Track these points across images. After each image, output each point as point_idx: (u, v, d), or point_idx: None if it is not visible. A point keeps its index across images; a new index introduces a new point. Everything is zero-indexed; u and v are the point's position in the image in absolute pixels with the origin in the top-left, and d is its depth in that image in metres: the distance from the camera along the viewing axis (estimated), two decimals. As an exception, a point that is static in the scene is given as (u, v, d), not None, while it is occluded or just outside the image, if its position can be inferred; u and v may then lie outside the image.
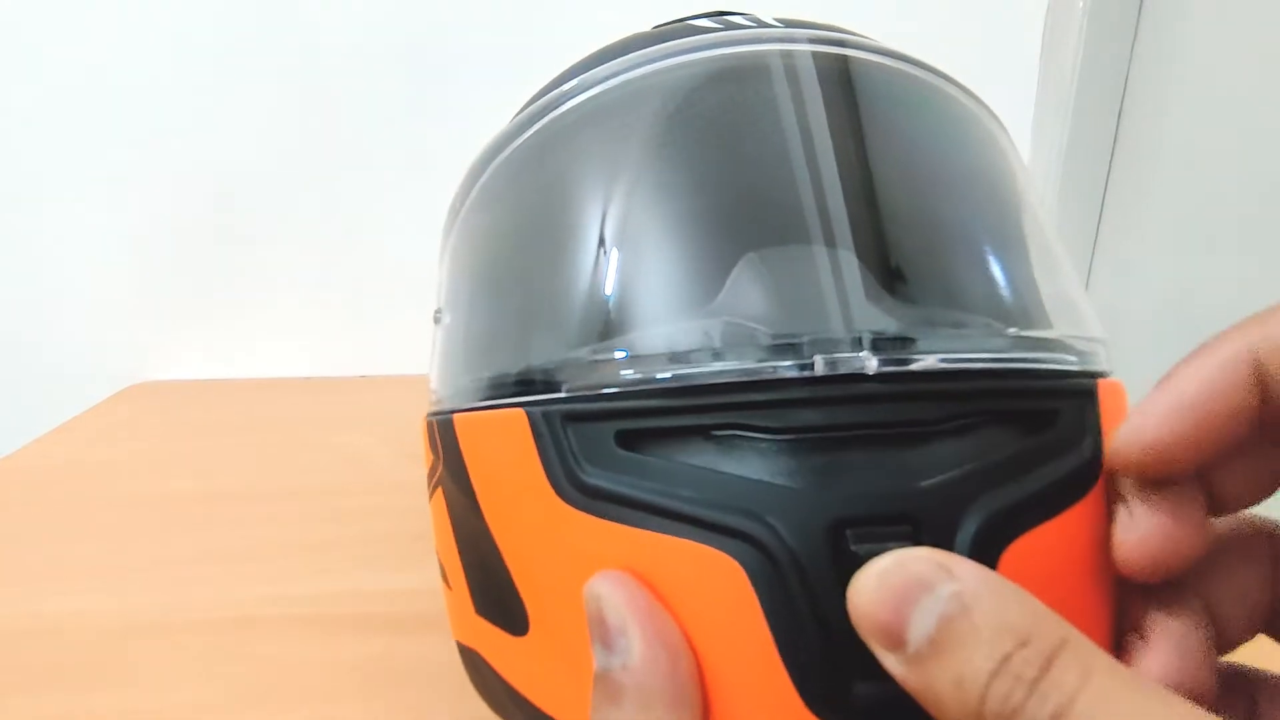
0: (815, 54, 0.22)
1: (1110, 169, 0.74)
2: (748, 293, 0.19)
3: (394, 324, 0.66)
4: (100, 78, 0.67)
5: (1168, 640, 0.17)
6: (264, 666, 0.31)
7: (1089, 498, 0.17)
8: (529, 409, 0.19)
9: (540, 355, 0.21)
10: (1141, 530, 0.16)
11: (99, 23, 0.66)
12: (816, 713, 0.15)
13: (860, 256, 0.19)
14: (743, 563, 0.16)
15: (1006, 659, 0.12)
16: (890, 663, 0.14)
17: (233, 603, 0.36)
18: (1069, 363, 0.20)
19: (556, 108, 0.23)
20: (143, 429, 0.62)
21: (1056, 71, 0.72)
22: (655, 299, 0.20)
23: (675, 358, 0.18)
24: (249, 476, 0.52)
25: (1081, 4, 0.69)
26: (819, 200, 0.19)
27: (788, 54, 0.22)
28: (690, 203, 0.21)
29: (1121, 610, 0.18)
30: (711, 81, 0.22)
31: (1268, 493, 0.18)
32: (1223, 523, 0.19)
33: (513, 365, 0.22)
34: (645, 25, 0.27)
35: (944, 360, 0.18)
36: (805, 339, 0.18)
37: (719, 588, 0.16)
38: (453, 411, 0.23)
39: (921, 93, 0.24)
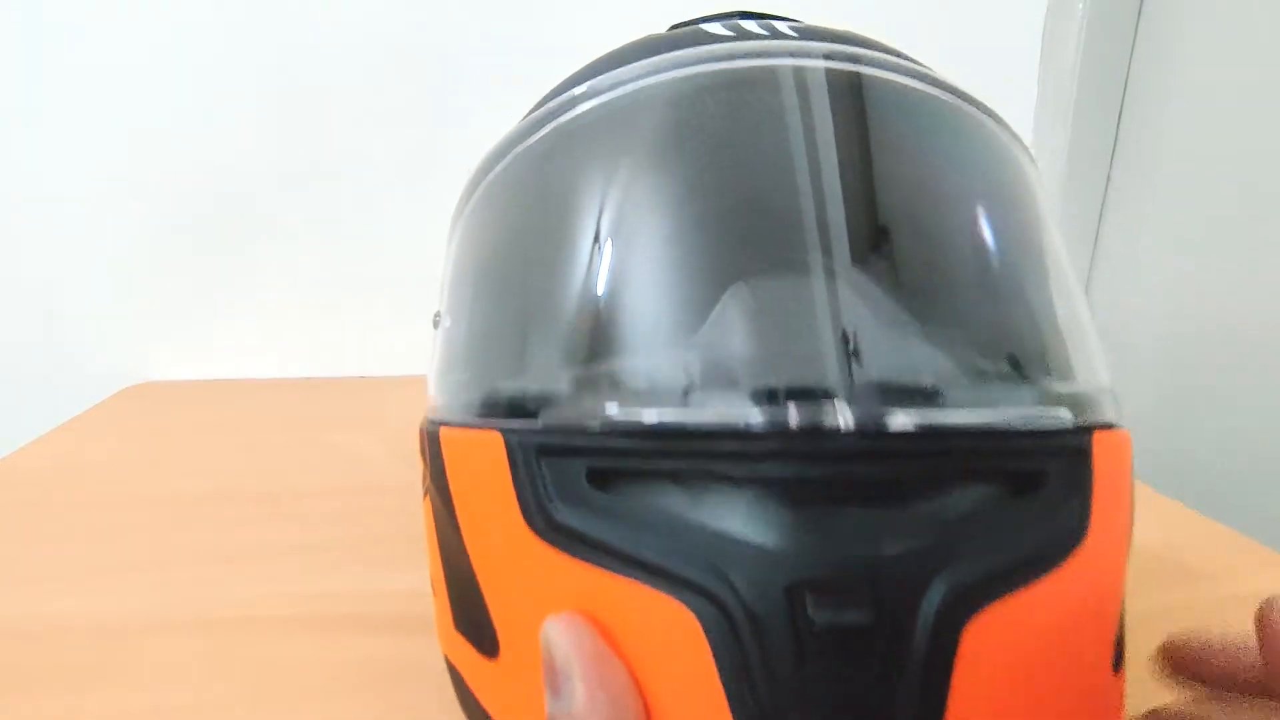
0: (828, 70, 0.21)
1: (1111, 169, 0.74)
2: (733, 326, 0.18)
3: (394, 324, 0.66)
4: (100, 78, 0.67)
5: None
6: (264, 666, 0.31)
7: (1071, 562, 0.17)
8: (507, 435, 0.19)
9: (524, 375, 0.21)
10: None
11: (99, 23, 0.66)
12: None
13: (858, 292, 0.18)
14: (700, 616, 0.16)
15: None
16: None
17: (233, 603, 0.36)
18: (1061, 421, 0.19)
19: (561, 115, 0.23)
20: (143, 429, 0.62)
21: (1056, 72, 0.72)
22: (640, 324, 0.20)
23: (650, 398, 0.18)
24: (249, 476, 0.51)
25: (1081, 5, 0.69)
26: (821, 231, 0.18)
27: (799, 70, 0.21)
28: (684, 225, 0.20)
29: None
30: (718, 96, 0.21)
31: None
32: None
33: (498, 384, 0.21)
34: (659, 26, 0.27)
35: (920, 427, 0.17)
36: (783, 386, 0.17)
37: (675, 638, 0.16)
38: (441, 424, 0.23)
39: (940, 114, 0.22)
